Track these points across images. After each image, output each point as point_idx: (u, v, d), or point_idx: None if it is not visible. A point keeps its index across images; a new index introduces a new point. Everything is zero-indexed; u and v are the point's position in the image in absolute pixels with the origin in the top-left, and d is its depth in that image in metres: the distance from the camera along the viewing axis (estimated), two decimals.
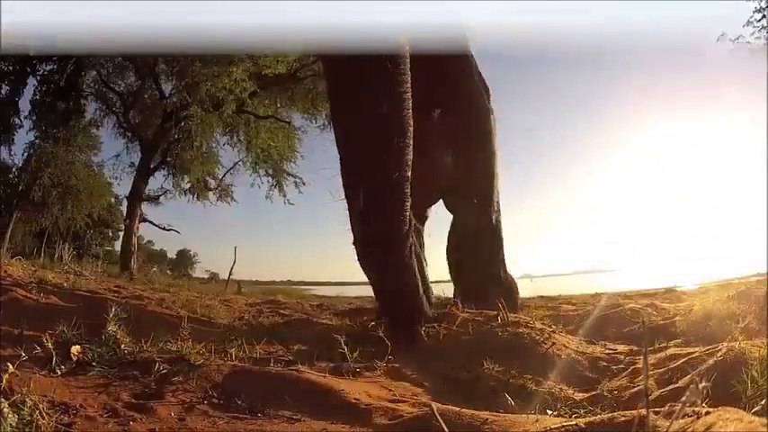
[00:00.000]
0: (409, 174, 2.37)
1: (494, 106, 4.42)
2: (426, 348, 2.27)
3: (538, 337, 2.17)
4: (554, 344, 2.14)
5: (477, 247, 3.90)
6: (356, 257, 2.53)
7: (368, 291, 3.23)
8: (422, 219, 3.83)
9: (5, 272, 3.30)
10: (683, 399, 0.67)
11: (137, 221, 12.05)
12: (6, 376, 1.13)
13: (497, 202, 4.07)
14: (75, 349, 1.53)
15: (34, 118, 12.08)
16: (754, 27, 9.36)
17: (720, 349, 1.54)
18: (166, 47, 9.45)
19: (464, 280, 3.89)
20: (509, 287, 3.96)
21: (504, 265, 4.07)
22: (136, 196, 12.10)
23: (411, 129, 2.35)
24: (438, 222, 4.26)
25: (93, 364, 1.48)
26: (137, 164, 12.62)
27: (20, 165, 12.48)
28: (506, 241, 4.12)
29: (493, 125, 4.15)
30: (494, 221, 4.00)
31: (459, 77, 3.93)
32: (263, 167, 12.98)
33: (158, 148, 12.42)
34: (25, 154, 12.32)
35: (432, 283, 3.36)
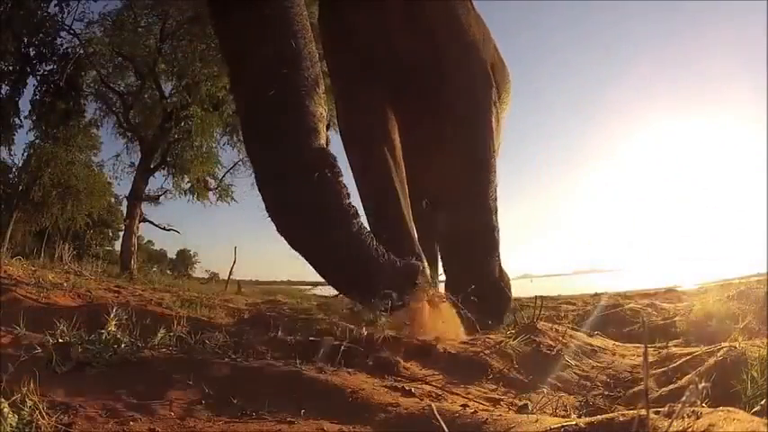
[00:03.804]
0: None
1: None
2: None
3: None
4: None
5: (465, 252, 3.23)
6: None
7: None
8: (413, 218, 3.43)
9: (5, 272, 3.30)
10: (683, 399, 0.67)
11: (137, 221, 12.04)
12: (6, 376, 1.13)
13: (493, 200, 3.33)
14: (75, 349, 1.53)
15: (34, 118, 12.07)
16: None
17: (720, 349, 1.54)
18: None
19: (450, 284, 3.26)
20: (499, 294, 3.27)
21: (497, 270, 3.35)
22: (136, 196, 12.09)
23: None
24: None
25: (93, 364, 1.47)
26: (137, 164, 12.61)
27: (20, 165, 12.49)
28: (506, 241, 3.61)
29: (489, 101, 3.36)
30: (485, 223, 3.28)
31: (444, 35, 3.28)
32: None
33: (158, 148, 12.40)
34: (25, 154, 12.33)
35: None
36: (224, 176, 13.45)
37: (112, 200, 16.63)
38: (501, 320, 3.08)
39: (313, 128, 2.10)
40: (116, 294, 3.34)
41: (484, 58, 3.50)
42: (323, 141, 2.14)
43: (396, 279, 2.12)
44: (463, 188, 3.27)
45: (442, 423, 0.96)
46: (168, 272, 19.57)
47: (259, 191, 2.13)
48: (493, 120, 3.42)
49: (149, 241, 28.03)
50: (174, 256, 29.46)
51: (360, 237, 2.10)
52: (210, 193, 13.37)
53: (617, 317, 3.17)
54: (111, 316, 1.75)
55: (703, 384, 0.76)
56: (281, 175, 2.06)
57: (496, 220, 3.31)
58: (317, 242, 2.10)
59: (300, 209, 2.05)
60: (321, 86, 2.23)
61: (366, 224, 3.51)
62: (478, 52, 3.47)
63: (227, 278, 10.81)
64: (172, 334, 1.76)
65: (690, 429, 0.74)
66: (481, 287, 2.94)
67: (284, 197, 2.06)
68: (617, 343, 2.46)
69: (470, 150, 3.30)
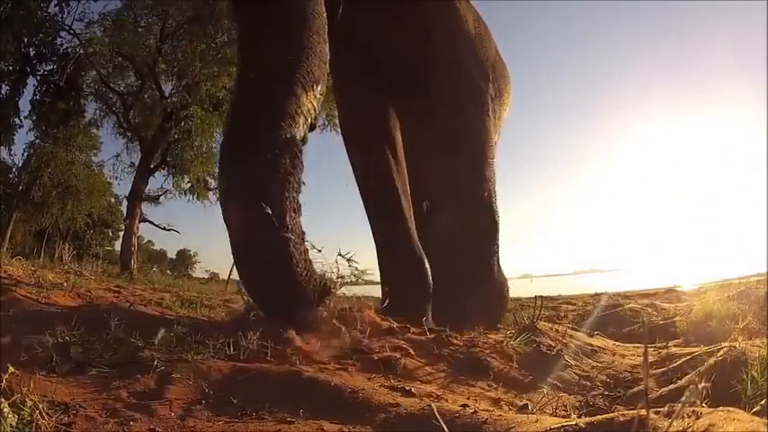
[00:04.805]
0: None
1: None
2: None
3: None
4: None
5: (459, 255, 3.11)
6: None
7: (369, 291, 3.19)
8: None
9: (5, 272, 3.30)
10: (683, 399, 0.67)
11: (137, 221, 12.05)
12: (6, 376, 1.13)
13: (490, 197, 3.26)
14: (75, 349, 1.53)
15: (34, 118, 12.09)
16: None
17: (720, 349, 1.54)
18: None
19: (439, 292, 3.13)
20: (495, 298, 3.20)
21: (493, 271, 3.24)
22: (136, 196, 12.10)
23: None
24: None
25: (93, 364, 1.47)
26: (137, 164, 12.64)
27: (20, 165, 12.51)
28: (506, 241, 3.56)
29: (486, 96, 3.35)
30: (483, 225, 3.22)
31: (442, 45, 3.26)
32: None
33: (158, 148, 12.43)
34: (25, 154, 12.36)
35: None
36: None
37: (112, 200, 16.69)
38: (498, 322, 3.07)
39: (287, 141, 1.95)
40: (116, 294, 3.34)
41: (480, 52, 3.49)
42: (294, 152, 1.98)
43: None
44: (460, 186, 3.19)
45: (442, 423, 0.96)
46: (168, 272, 19.60)
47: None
48: (490, 115, 3.39)
49: (149, 241, 28.11)
50: (174, 256, 29.52)
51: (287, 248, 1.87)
52: (210, 193, 13.39)
53: (617, 317, 3.17)
54: (111, 316, 1.75)
55: (703, 384, 0.76)
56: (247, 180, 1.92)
57: (497, 218, 3.26)
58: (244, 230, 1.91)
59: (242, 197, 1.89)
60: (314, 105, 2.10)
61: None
62: (474, 47, 3.45)
63: (227, 278, 10.82)
64: (172, 334, 1.76)
65: (690, 429, 0.74)
66: (481, 289, 3.02)
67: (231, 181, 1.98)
68: (617, 343, 2.46)
69: (465, 146, 3.24)
